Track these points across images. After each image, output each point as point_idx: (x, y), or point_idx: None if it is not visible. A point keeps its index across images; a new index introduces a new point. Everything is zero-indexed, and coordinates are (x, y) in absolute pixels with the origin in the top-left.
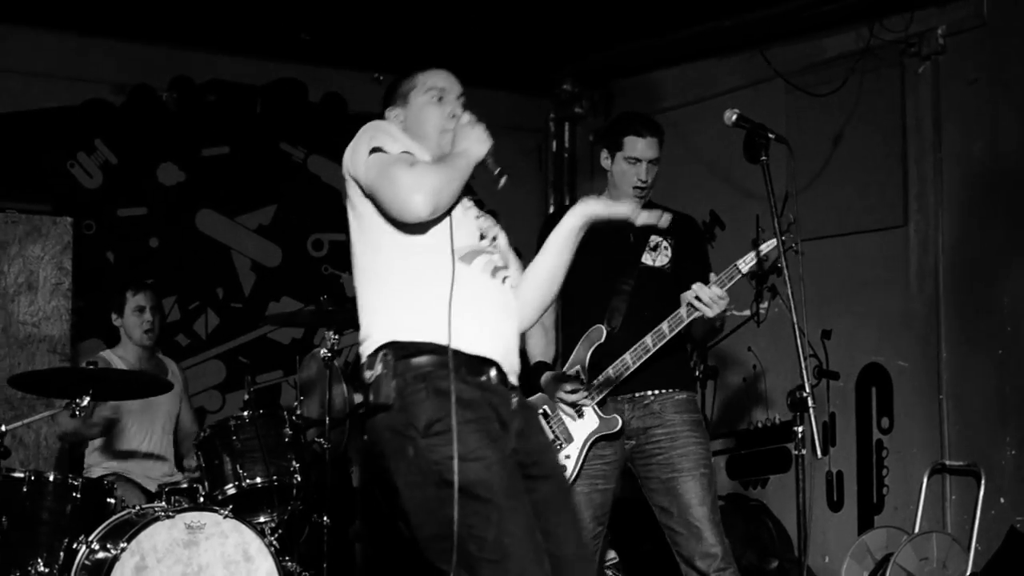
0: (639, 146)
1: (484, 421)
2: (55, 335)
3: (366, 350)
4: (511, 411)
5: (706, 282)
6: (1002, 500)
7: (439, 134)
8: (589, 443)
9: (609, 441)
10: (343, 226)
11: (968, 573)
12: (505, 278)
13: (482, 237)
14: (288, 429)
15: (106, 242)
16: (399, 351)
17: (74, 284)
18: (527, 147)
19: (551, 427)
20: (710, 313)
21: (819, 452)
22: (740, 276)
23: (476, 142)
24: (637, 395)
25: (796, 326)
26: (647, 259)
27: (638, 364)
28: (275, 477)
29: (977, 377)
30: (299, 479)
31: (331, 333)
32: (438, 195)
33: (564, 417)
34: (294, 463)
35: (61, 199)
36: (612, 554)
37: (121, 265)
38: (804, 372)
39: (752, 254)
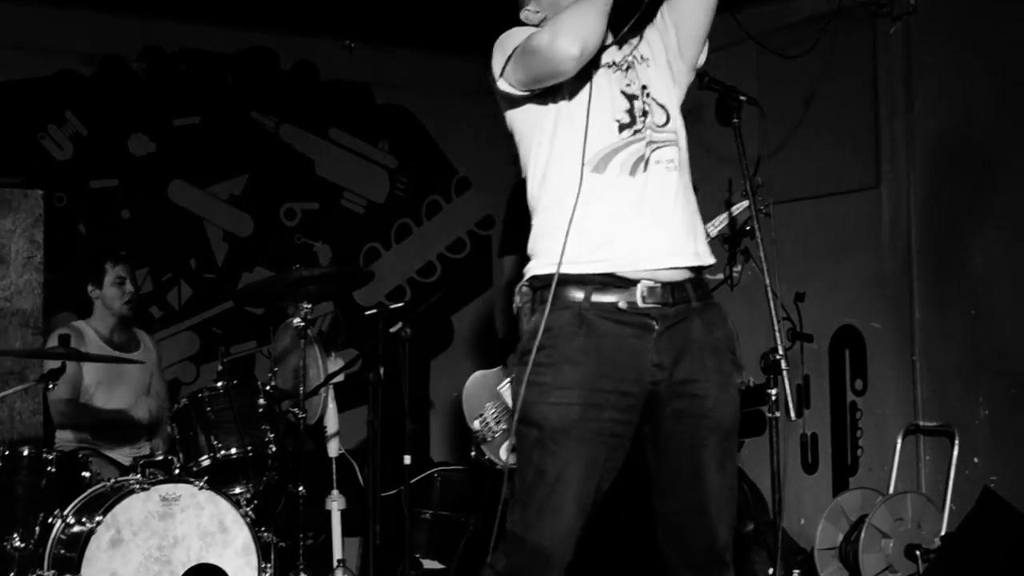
0: None
1: (577, 357)
2: (27, 309)
3: (530, 271)
4: (658, 338)
5: None
6: (976, 460)
7: None
8: None
9: None
10: (315, 195)
11: (943, 533)
12: (656, 162)
13: (629, 120)
14: (262, 400)
15: (78, 214)
16: (532, 282)
17: (46, 257)
18: (500, 113)
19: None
20: None
21: (793, 414)
22: (709, 239)
23: None
24: None
25: (768, 288)
26: None
27: None
28: (250, 448)
29: (950, 337)
30: (274, 449)
31: (304, 303)
32: (582, 31)
33: None
34: (269, 433)
35: (32, 171)
36: None
37: (93, 237)
38: (777, 335)
39: (723, 215)
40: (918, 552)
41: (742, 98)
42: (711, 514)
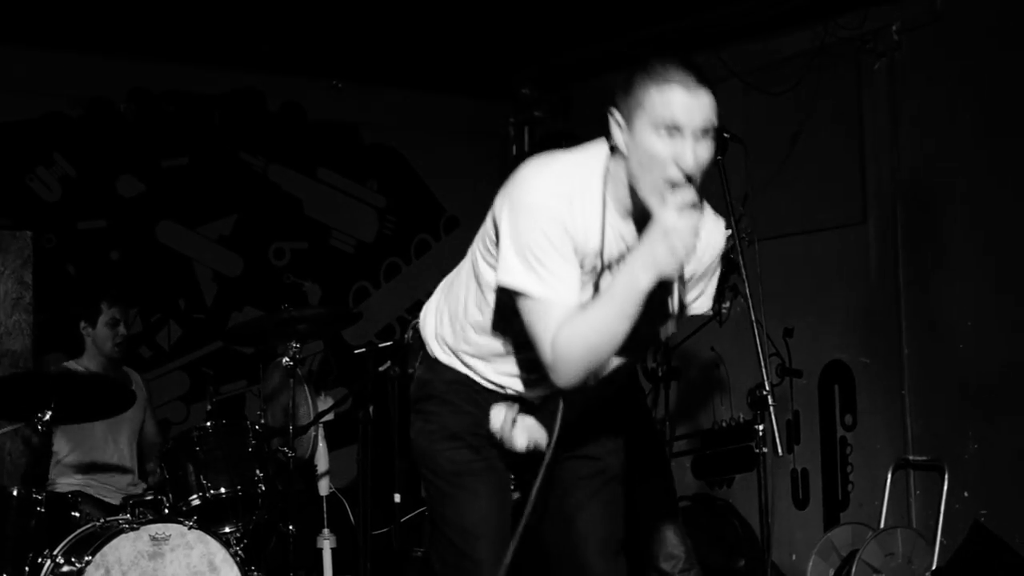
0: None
1: (464, 407)
2: (17, 349)
3: (424, 329)
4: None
5: None
6: (966, 494)
7: (652, 194)
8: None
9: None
10: (303, 235)
11: (934, 567)
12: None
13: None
14: (252, 438)
15: (66, 255)
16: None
17: (35, 298)
18: (487, 152)
19: None
20: None
21: (780, 450)
22: None
23: (666, 255)
24: None
25: (756, 323)
26: None
27: None
28: (239, 487)
29: (939, 372)
30: (264, 488)
31: (293, 342)
32: (586, 370)
33: None
34: (258, 472)
35: (20, 213)
36: None
37: (82, 278)
38: (764, 370)
39: None
40: None
41: (726, 135)
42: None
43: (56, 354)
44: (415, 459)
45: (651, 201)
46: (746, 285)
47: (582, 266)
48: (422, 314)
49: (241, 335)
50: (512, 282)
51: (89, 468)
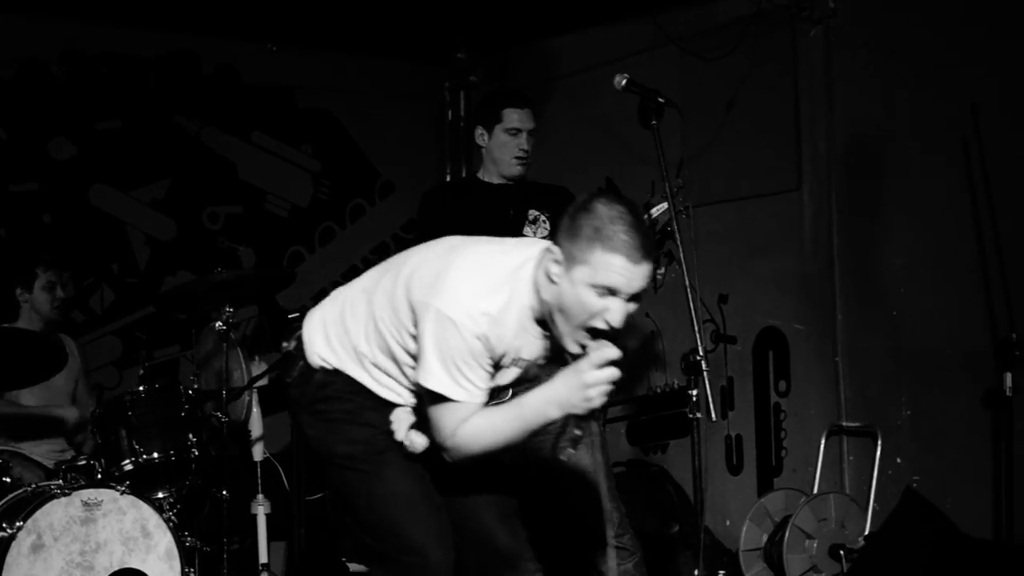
0: (517, 116)
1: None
2: None
3: (311, 344)
4: None
5: None
6: (899, 460)
7: (569, 335)
8: None
9: None
10: (238, 198)
11: (866, 532)
12: None
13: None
14: (185, 403)
15: None
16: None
17: None
18: (423, 116)
19: None
20: None
21: (713, 415)
22: None
23: (570, 401)
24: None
25: (689, 290)
26: (527, 231)
27: None
28: (172, 452)
29: (872, 338)
30: (197, 453)
31: (227, 306)
32: (481, 454)
33: None
34: (191, 437)
35: None
36: None
37: (14, 241)
38: (698, 336)
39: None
40: (842, 552)
41: (661, 100)
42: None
43: None
44: (322, 458)
45: (566, 341)
46: (681, 251)
47: (494, 364)
48: (309, 324)
49: (175, 300)
50: (434, 387)
51: (19, 432)
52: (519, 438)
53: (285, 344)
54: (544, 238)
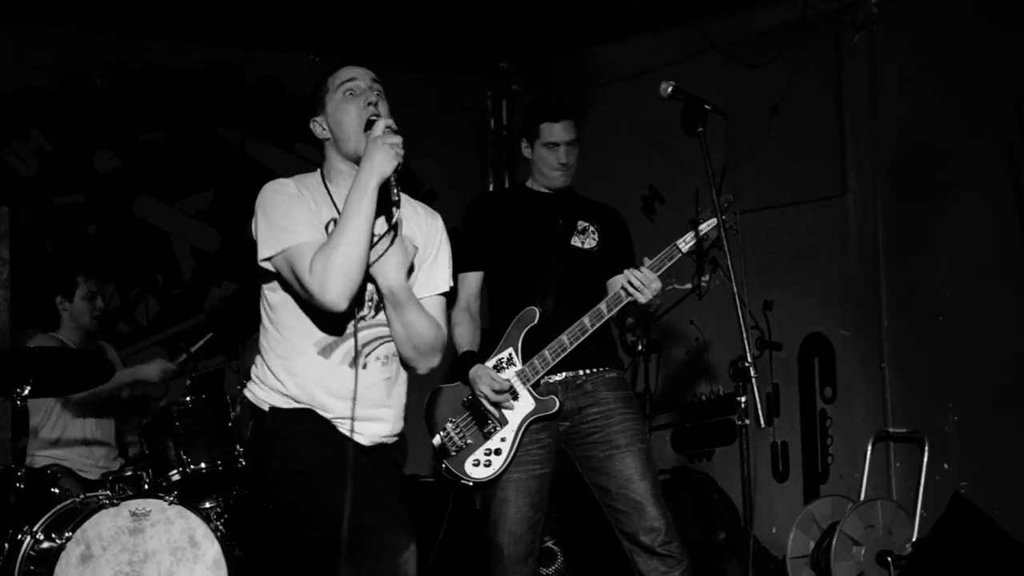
0: (555, 130)
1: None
2: None
3: (255, 391)
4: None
5: (621, 267)
6: (946, 466)
7: (359, 130)
8: (525, 425)
9: (544, 423)
10: None
11: (914, 539)
12: (366, 361)
13: (356, 318)
14: (232, 413)
15: (43, 231)
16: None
17: (12, 274)
18: (465, 125)
19: (483, 413)
20: (642, 299)
21: (762, 422)
22: (680, 256)
23: (382, 160)
24: (569, 375)
25: (737, 297)
26: (576, 241)
27: (575, 345)
28: (219, 462)
29: (918, 344)
30: (244, 463)
31: None
32: (348, 283)
33: (487, 405)
34: (238, 447)
35: None
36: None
37: (59, 254)
38: (746, 342)
39: (691, 234)
40: (890, 559)
41: (707, 107)
42: None
43: (31, 330)
44: (273, 491)
45: (360, 145)
46: (729, 259)
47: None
48: (249, 384)
49: (223, 314)
50: (267, 252)
51: (66, 443)
52: (364, 228)
53: (233, 412)
54: (591, 249)
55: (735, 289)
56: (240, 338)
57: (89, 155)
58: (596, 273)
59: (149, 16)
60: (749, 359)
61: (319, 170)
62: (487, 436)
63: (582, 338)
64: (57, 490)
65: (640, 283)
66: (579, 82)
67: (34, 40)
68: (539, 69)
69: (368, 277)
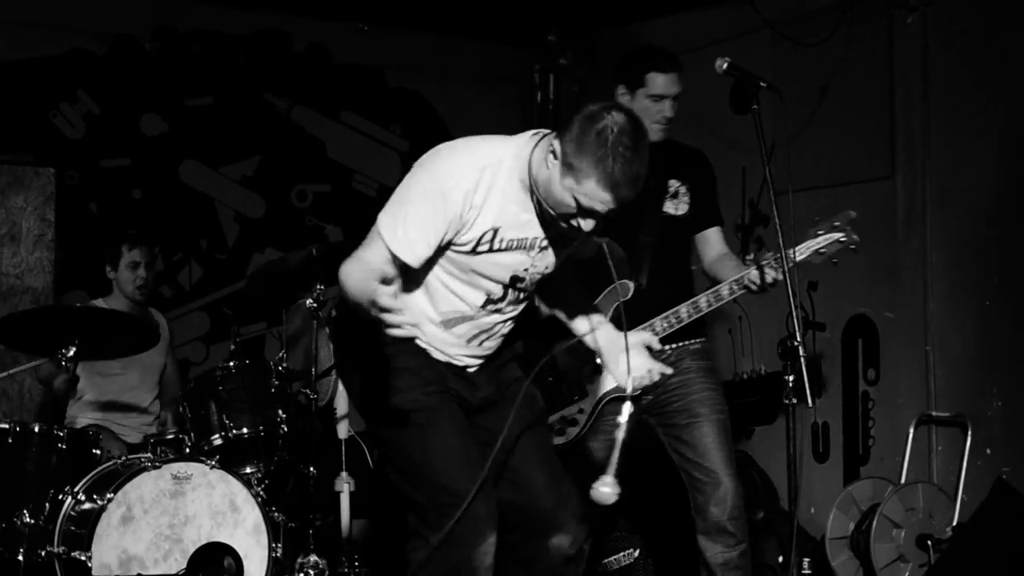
0: (664, 82)
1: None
2: (38, 287)
3: None
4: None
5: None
6: (988, 451)
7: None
8: (606, 399)
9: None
10: (326, 177)
11: (955, 523)
12: (484, 341)
13: (488, 302)
14: (275, 379)
15: (89, 193)
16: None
17: (57, 235)
18: (511, 98)
19: (561, 379)
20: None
21: (810, 401)
22: (794, 263)
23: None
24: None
25: (786, 276)
26: (669, 208)
27: (688, 321)
28: (261, 428)
29: (963, 328)
30: (285, 430)
31: (318, 284)
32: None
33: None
34: (280, 413)
35: (44, 149)
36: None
37: (104, 216)
38: (796, 320)
39: (809, 243)
40: (930, 542)
41: (762, 84)
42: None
43: (78, 291)
44: (370, 413)
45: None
46: (780, 239)
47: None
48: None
49: (264, 278)
50: (379, 222)
51: (107, 406)
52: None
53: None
54: (683, 215)
55: (784, 268)
56: (284, 305)
57: (136, 119)
58: (687, 240)
59: None
60: (798, 338)
61: (528, 168)
62: (563, 403)
63: (696, 316)
64: (99, 451)
65: (771, 282)
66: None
67: (83, 3)
68: (588, 43)
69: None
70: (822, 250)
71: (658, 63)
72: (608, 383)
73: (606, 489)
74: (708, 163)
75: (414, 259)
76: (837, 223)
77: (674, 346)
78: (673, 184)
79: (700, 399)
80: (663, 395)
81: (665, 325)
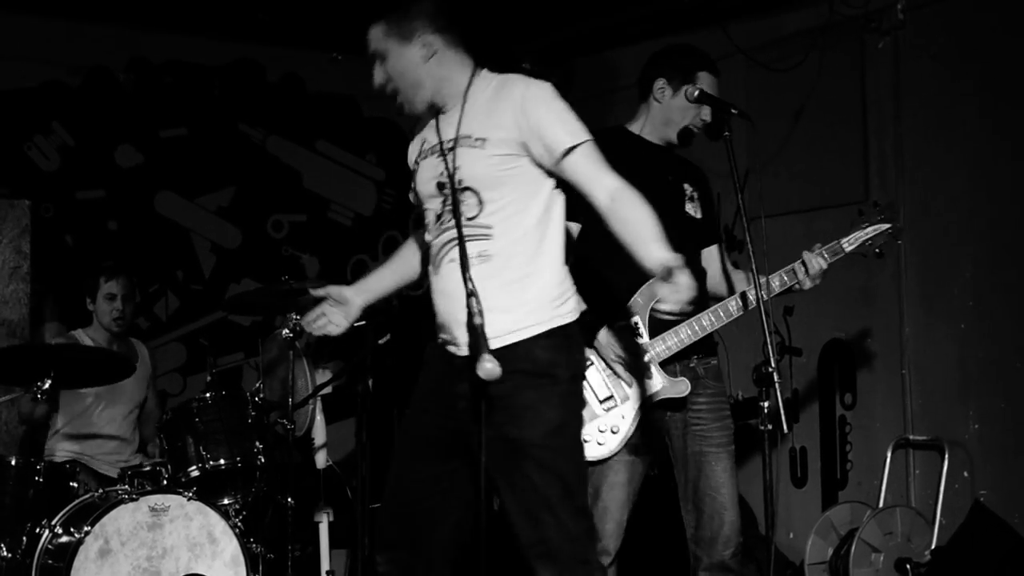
0: (709, 83)
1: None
2: (14, 319)
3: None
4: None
5: (719, 240)
6: (966, 474)
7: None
8: (649, 405)
9: (664, 406)
10: (302, 207)
11: (933, 547)
12: (449, 257)
13: (437, 219)
14: (251, 410)
15: (65, 225)
16: None
17: (32, 267)
18: None
19: (604, 383)
20: (807, 285)
21: (785, 427)
22: (843, 255)
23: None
24: (683, 359)
25: (761, 302)
26: (689, 209)
27: (717, 327)
28: (239, 459)
29: (939, 351)
30: (263, 460)
31: (293, 314)
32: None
33: (620, 372)
34: (257, 444)
35: (18, 182)
36: None
37: (80, 248)
38: (770, 346)
39: (857, 233)
40: (908, 566)
41: (733, 111)
42: None
43: (55, 324)
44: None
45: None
46: (753, 265)
47: None
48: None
49: (241, 306)
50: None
51: (85, 437)
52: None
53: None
54: (699, 219)
55: (759, 293)
56: (260, 335)
57: (111, 150)
58: (701, 244)
59: (172, 12)
60: (773, 364)
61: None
62: (604, 411)
63: (726, 321)
64: (76, 484)
65: (815, 275)
66: (603, 84)
67: (58, 35)
68: (562, 71)
69: None
70: (869, 241)
71: (709, 63)
72: (656, 385)
73: (489, 365)
74: (708, 180)
75: None
76: (882, 215)
77: (699, 356)
78: (688, 188)
79: (719, 428)
80: (688, 415)
81: (716, 319)
